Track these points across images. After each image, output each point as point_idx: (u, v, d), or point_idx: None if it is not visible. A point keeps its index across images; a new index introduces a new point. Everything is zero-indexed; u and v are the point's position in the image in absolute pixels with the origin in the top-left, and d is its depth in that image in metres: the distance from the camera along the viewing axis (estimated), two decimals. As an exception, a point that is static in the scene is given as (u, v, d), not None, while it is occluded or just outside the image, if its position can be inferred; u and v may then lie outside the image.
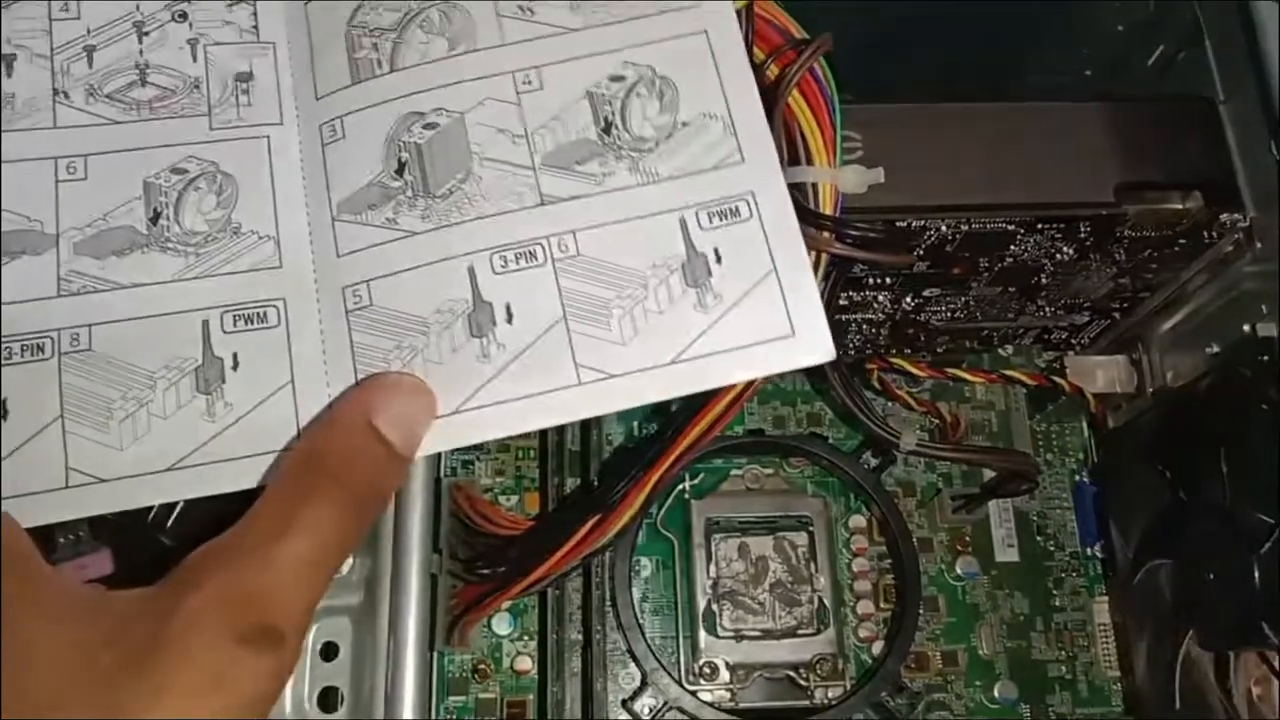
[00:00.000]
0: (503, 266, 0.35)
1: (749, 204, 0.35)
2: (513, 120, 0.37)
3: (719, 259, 0.34)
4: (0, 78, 0.37)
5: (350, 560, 0.31)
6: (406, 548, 0.31)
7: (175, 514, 0.32)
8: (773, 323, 0.33)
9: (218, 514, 0.32)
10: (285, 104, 0.38)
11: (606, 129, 0.36)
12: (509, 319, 0.34)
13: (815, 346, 0.33)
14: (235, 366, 0.33)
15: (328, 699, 0.30)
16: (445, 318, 0.34)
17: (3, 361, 0.33)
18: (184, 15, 0.38)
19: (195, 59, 0.38)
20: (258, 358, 0.34)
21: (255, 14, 0.39)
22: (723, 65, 0.37)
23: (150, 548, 0.32)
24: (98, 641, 0.25)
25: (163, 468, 0.32)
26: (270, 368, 0.33)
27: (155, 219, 0.35)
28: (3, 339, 0.33)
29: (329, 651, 0.30)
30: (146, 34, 0.38)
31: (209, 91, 0.37)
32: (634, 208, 0.35)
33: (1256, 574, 0.35)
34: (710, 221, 0.35)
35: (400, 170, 0.36)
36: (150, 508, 0.32)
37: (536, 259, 0.35)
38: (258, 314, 0.34)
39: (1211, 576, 0.38)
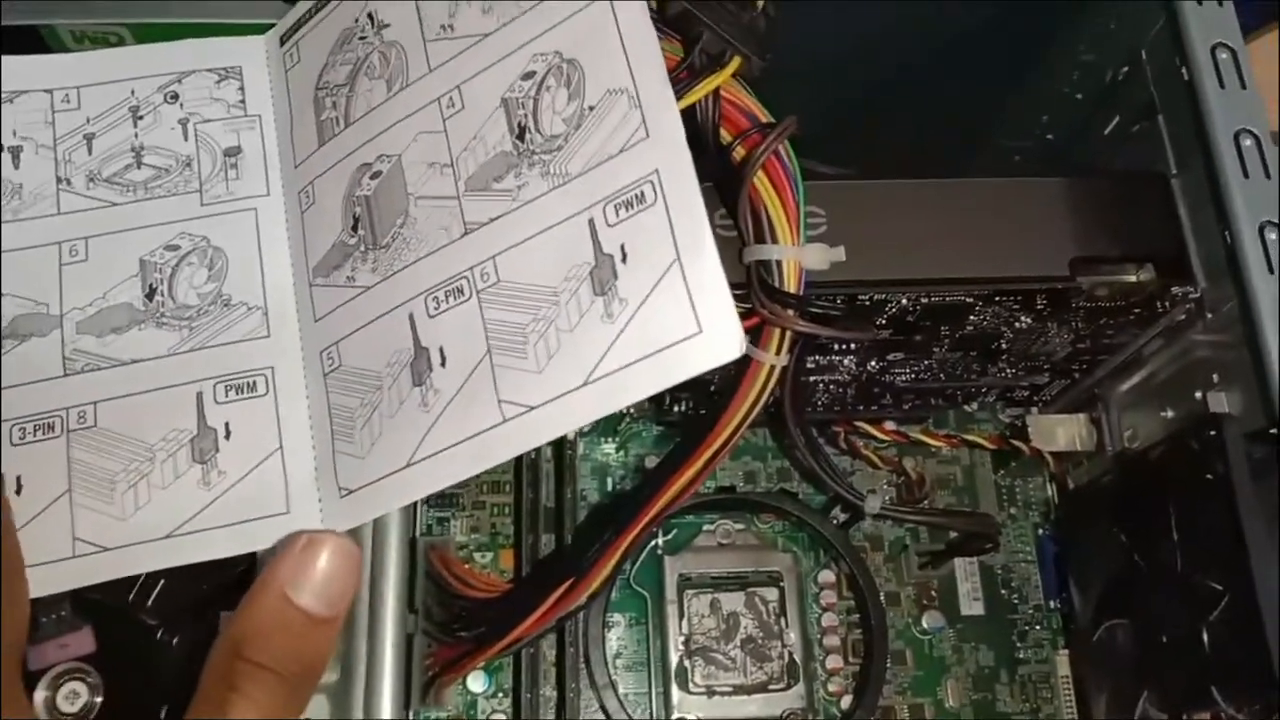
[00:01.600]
0: (436, 309, 0.35)
1: (654, 186, 0.33)
2: (440, 150, 0.36)
3: (624, 257, 0.33)
4: (7, 169, 0.38)
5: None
6: (380, 621, 0.32)
7: (156, 593, 0.33)
8: (679, 322, 0.32)
9: (195, 594, 0.33)
10: (271, 175, 0.39)
11: (521, 135, 0.35)
12: (443, 362, 0.34)
13: (725, 342, 0.31)
14: (228, 435, 0.34)
15: (306, 777, 0.31)
16: (394, 370, 0.35)
17: (15, 441, 0.34)
18: (175, 95, 0.40)
19: (186, 138, 0.39)
20: (249, 426, 0.35)
21: (243, 88, 0.40)
22: (626, 33, 0.35)
23: (131, 626, 0.33)
24: None
25: (162, 535, 0.33)
26: (260, 435, 0.35)
27: (150, 295, 0.36)
28: (15, 419, 0.34)
29: (307, 730, 0.31)
30: (141, 117, 0.39)
31: (200, 168, 0.39)
32: (546, 217, 0.34)
33: (1206, 639, 0.37)
34: (617, 215, 0.33)
35: (355, 226, 0.37)
36: (131, 586, 0.33)
37: (463, 294, 0.35)
38: (248, 383, 0.35)
39: (1165, 639, 0.39)
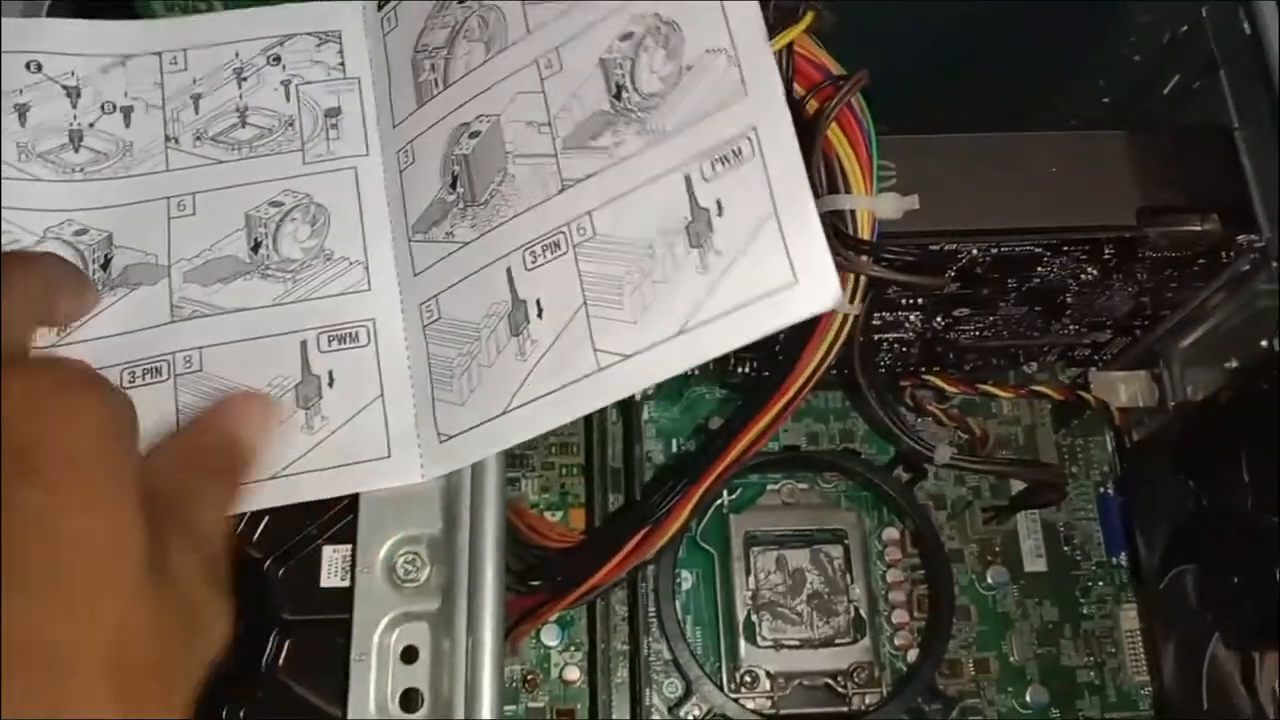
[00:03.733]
0: (533, 262, 0.36)
1: (751, 142, 0.33)
2: (538, 110, 0.37)
3: (721, 211, 0.33)
4: (118, 127, 0.39)
5: (428, 567, 0.33)
6: (481, 553, 0.33)
7: (262, 528, 0.35)
8: (775, 272, 0.32)
9: (299, 528, 0.34)
10: (370, 136, 0.40)
11: (618, 94, 0.36)
12: (539, 314, 0.35)
13: (820, 291, 0.32)
14: (331, 383, 0.36)
15: (409, 700, 0.32)
16: (491, 321, 0.36)
17: (124, 384, 0.35)
18: (278, 59, 0.41)
19: (289, 99, 0.40)
20: (351, 375, 0.36)
21: (341, 51, 0.41)
22: (728, 8, 0.35)
23: (240, 560, 0.34)
24: None
25: (268, 476, 0.34)
26: (362, 384, 0.36)
27: (256, 248, 0.38)
28: (125, 364, 0.35)
29: (409, 655, 0.32)
30: (245, 79, 0.40)
31: (302, 128, 0.40)
32: (642, 173, 0.35)
33: (1278, 576, 0.37)
34: (714, 170, 0.34)
35: (454, 184, 0.38)
36: (239, 522, 0.34)
37: (560, 249, 0.35)
38: (350, 334, 0.37)
39: (1236, 579, 0.40)
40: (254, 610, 0.33)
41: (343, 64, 0.41)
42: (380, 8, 0.42)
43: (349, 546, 0.34)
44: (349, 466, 0.35)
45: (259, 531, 0.34)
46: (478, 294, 0.36)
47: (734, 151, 0.34)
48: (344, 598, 0.33)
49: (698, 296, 0.33)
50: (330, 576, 0.34)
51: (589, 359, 0.34)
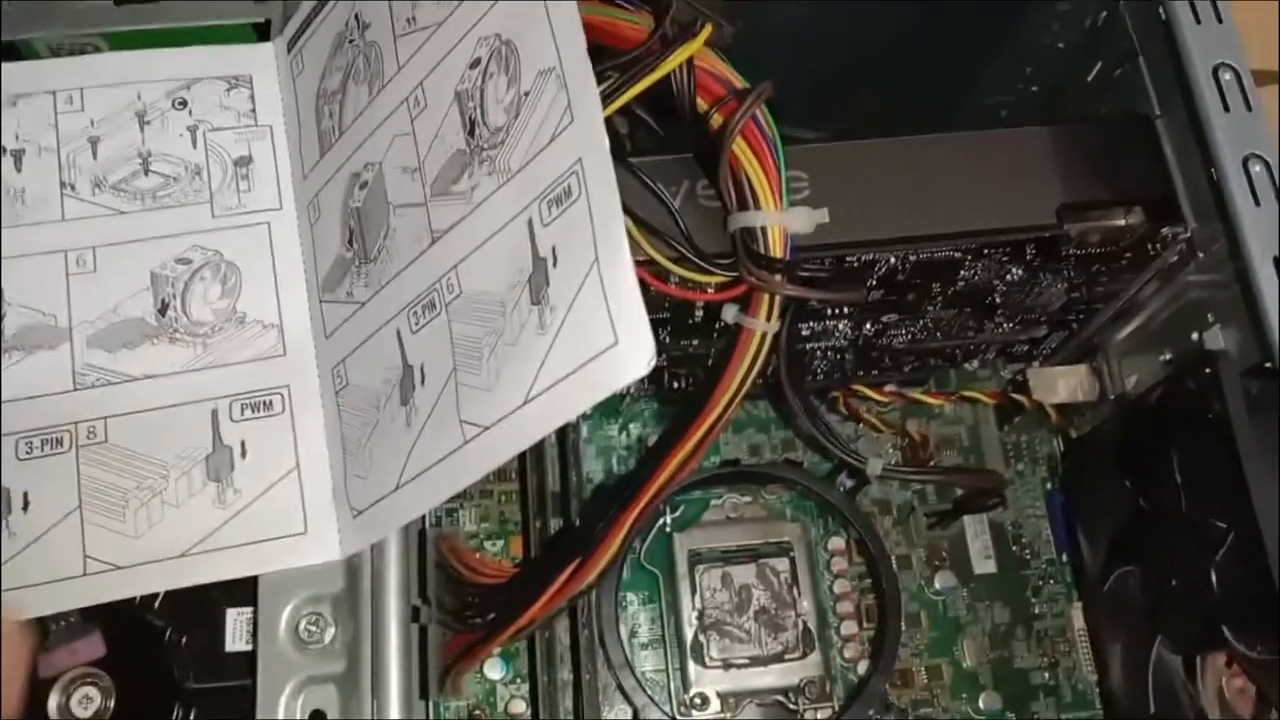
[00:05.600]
0: (416, 324, 0.34)
1: (579, 178, 0.31)
2: (410, 154, 0.35)
3: (555, 261, 0.31)
4: (8, 173, 0.38)
5: (332, 627, 0.32)
6: (384, 607, 0.32)
7: (163, 595, 0.33)
8: (599, 332, 0.29)
9: (203, 595, 0.33)
10: (283, 187, 0.39)
11: (471, 130, 0.34)
12: (423, 380, 0.33)
13: (639, 355, 0.29)
14: (244, 454, 0.34)
15: (318, 767, 0.31)
16: (388, 388, 0.34)
17: (21, 456, 0.34)
18: (184, 102, 0.39)
19: (195, 145, 0.39)
20: (265, 445, 0.35)
21: (253, 96, 0.40)
22: (551, 5, 0.33)
23: (140, 629, 0.33)
24: None
25: (176, 554, 0.33)
26: (277, 454, 0.35)
27: (163, 310, 0.36)
28: (22, 433, 0.34)
29: (317, 720, 0.31)
30: (148, 123, 0.39)
31: (210, 178, 0.38)
32: (496, 220, 0.33)
33: (1214, 578, 0.36)
34: (550, 213, 0.32)
35: (350, 240, 0.37)
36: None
37: (435, 308, 0.34)
38: (263, 402, 0.35)
39: (1174, 582, 0.39)
40: (156, 682, 0.32)
41: (254, 110, 0.39)
42: (289, 49, 0.40)
43: (252, 608, 0.33)
44: (264, 543, 0.34)
45: (159, 599, 0.33)
46: (377, 358, 0.35)
47: (565, 191, 0.31)
48: (249, 662, 0.32)
49: (538, 359, 0.31)
50: (235, 640, 0.33)
51: (456, 432, 0.32)
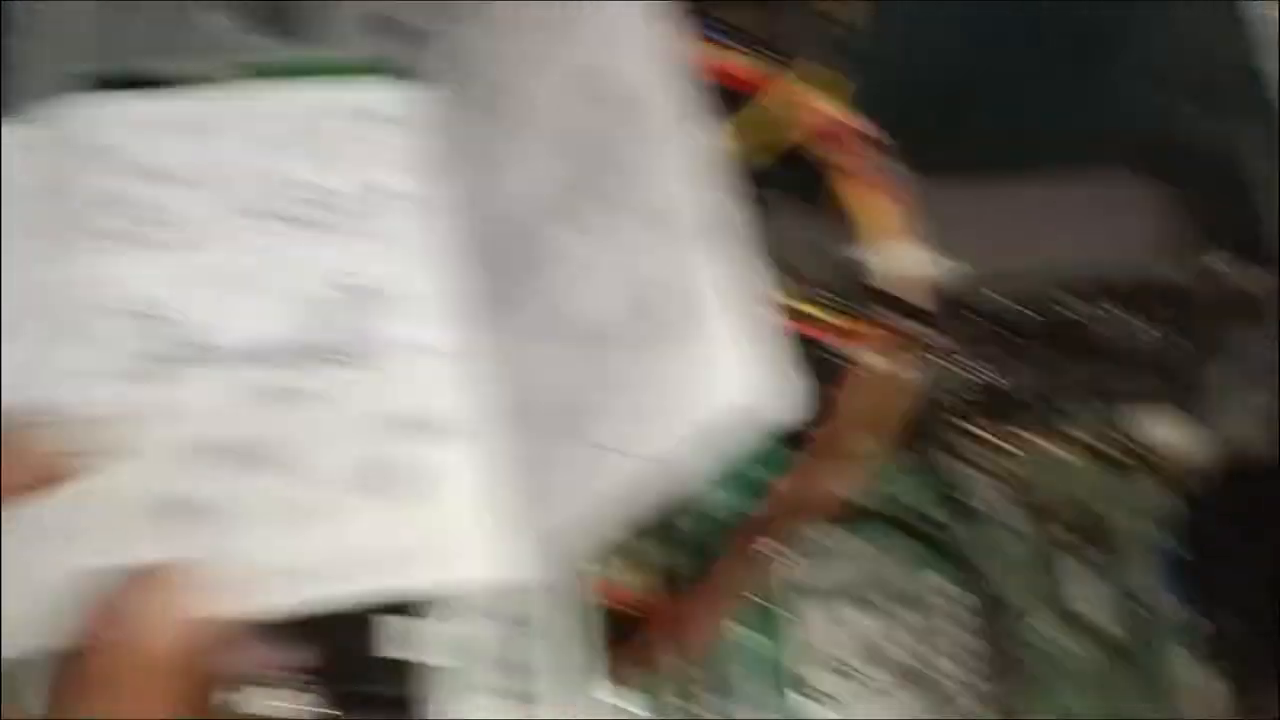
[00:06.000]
0: (567, 351, 0.36)
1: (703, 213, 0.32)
2: (549, 183, 0.37)
3: (689, 300, 0.32)
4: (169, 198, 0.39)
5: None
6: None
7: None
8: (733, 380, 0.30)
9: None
10: (437, 216, 0.40)
11: (600, 165, 0.35)
12: (584, 409, 0.35)
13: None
14: (412, 473, 0.36)
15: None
16: (558, 412, 0.35)
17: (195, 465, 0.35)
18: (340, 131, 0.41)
19: (353, 173, 0.41)
20: (432, 465, 0.36)
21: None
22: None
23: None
24: None
25: (343, 568, 0.34)
26: (443, 474, 0.36)
27: (325, 331, 0.39)
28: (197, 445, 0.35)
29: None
30: (304, 150, 0.40)
31: (369, 205, 0.40)
32: (625, 254, 0.35)
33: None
34: (680, 250, 0.33)
35: (505, 266, 0.38)
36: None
37: (580, 336, 0.36)
38: (430, 422, 0.37)
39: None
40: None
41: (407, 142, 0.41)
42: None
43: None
44: (434, 560, 0.35)
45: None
46: (543, 382, 0.37)
47: (693, 228, 0.33)
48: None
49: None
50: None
51: (623, 463, 0.33)
